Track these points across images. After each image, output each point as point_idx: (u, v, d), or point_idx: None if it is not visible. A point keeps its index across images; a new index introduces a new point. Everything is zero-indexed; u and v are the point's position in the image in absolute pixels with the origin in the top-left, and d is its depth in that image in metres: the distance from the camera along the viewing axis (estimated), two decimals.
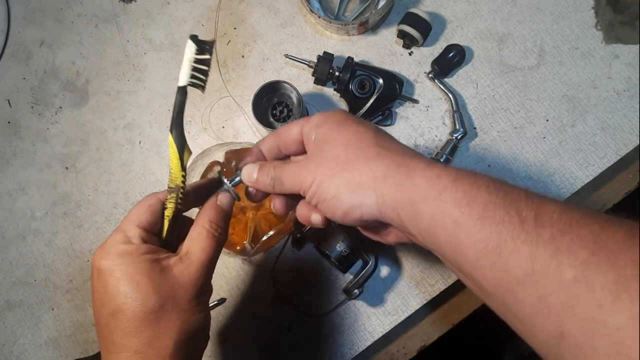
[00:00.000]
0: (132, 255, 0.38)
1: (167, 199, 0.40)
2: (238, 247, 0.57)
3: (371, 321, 0.60)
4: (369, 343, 0.60)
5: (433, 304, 0.60)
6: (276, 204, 0.45)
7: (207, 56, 0.40)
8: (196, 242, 0.40)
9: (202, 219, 0.41)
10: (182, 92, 0.40)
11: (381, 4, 0.63)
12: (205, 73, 0.41)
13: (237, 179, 0.44)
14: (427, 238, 0.37)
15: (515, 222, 0.32)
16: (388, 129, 0.63)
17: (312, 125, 0.42)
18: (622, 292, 0.26)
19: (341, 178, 0.39)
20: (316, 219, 0.44)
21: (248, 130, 0.66)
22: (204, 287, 0.40)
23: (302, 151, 0.45)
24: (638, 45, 0.62)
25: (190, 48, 0.40)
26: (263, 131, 0.65)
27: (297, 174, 0.41)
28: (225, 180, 0.44)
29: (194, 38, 0.40)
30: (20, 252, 0.66)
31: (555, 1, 0.64)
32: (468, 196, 0.34)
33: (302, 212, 0.44)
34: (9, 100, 0.69)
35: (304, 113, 0.63)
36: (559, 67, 0.63)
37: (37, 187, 0.67)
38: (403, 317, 0.60)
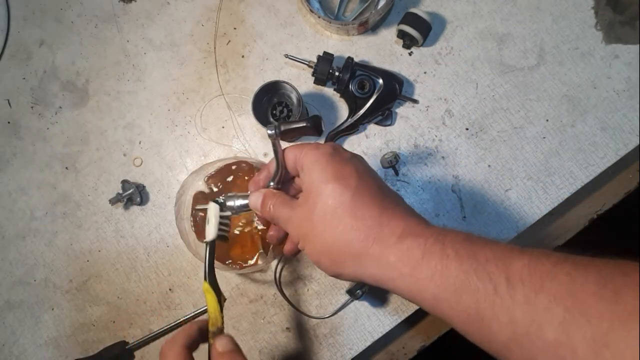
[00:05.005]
0: None
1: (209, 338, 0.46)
2: (255, 259, 0.59)
3: (371, 321, 0.60)
4: (369, 343, 0.60)
5: None
6: (271, 235, 0.49)
7: (228, 213, 0.47)
8: None
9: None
10: (211, 245, 0.46)
11: (381, 4, 0.63)
12: (227, 226, 0.47)
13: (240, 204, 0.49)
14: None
15: (488, 288, 0.32)
16: (388, 129, 0.63)
17: (306, 167, 0.43)
18: (603, 349, 0.27)
19: (322, 246, 0.40)
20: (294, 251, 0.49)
21: (248, 130, 0.66)
22: None
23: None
24: (638, 45, 0.62)
25: (214, 209, 0.46)
26: (263, 131, 0.65)
27: (287, 223, 0.44)
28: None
29: (216, 201, 0.47)
30: (20, 252, 0.66)
31: (555, 1, 0.64)
32: (440, 269, 0.35)
33: (287, 246, 0.49)
34: (8, 100, 0.69)
35: (304, 113, 0.63)
36: (559, 67, 0.63)
37: (37, 187, 0.67)
38: (403, 317, 0.60)
